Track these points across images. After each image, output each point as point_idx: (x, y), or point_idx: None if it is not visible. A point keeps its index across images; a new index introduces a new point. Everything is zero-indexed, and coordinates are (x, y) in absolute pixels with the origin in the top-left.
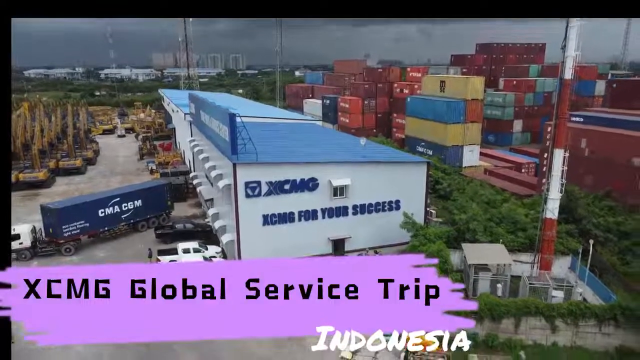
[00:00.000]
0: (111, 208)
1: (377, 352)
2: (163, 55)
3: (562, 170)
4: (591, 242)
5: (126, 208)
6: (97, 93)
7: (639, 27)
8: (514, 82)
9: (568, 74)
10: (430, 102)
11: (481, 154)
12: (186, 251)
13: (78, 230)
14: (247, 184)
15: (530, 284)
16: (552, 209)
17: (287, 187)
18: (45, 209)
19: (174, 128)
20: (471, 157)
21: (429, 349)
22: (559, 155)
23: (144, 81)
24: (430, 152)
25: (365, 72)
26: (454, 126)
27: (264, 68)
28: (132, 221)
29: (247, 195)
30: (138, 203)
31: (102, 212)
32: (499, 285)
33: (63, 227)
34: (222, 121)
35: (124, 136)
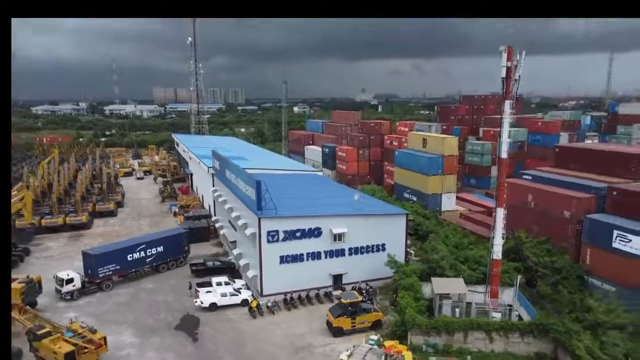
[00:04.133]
0: (138, 253)
1: (365, 356)
2: (164, 89)
3: (504, 224)
4: (519, 277)
5: (150, 253)
6: (108, 132)
7: (621, 61)
8: (492, 132)
9: (504, 155)
10: (414, 157)
11: (458, 198)
12: (219, 284)
13: (111, 272)
14: (268, 232)
15: (477, 307)
16: (497, 252)
17: (298, 234)
18: (85, 254)
19: (191, 173)
20: (449, 203)
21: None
22: (500, 213)
23: (149, 118)
24: (414, 198)
25: (360, 124)
26: (433, 177)
27: (263, 102)
28: (154, 264)
29: (269, 241)
30: (160, 249)
31: (130, 257)
32: (457, 309)
33: (99, 269)
34: (249, 183)
35: (142, 178)
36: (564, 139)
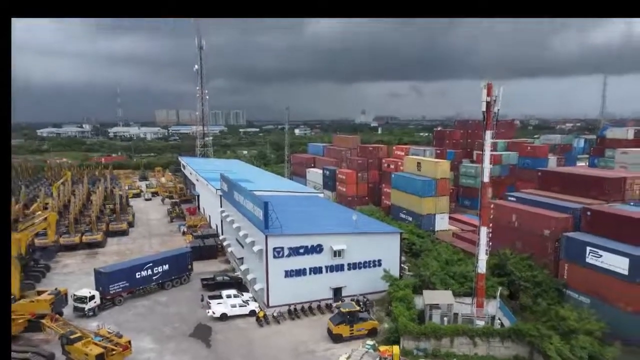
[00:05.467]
0: (145, 271)
1: (361, 358)
2: (166, 112)
3: (487, 241)
4: (500, 288)
5: (157, 271)
6: (114, 155)
7: (619, 83)
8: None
9: (486, 179)
10: (409, 180)
11: (451, 218)
12: (229, 296)
13: (120, 289)
14: (274, 249)
15: (463, 316)
16: (481, 267)
17: (301, 250)
18: (97, 272)
19: (198, 195)
20: (442, 222)
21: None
22: (484, 231)
23: (152, 140)
24: (410, 219)
25: (359, 148)
26: (427, 199)
27: (263, 124)
28: (160, 281)
29: (274, 257)
30: (165, 267)
31: (138, 275)
32: (445, 318)
33: (110, 286)
34: (257, 205)
35: (150, 199)
36: (552, 163)
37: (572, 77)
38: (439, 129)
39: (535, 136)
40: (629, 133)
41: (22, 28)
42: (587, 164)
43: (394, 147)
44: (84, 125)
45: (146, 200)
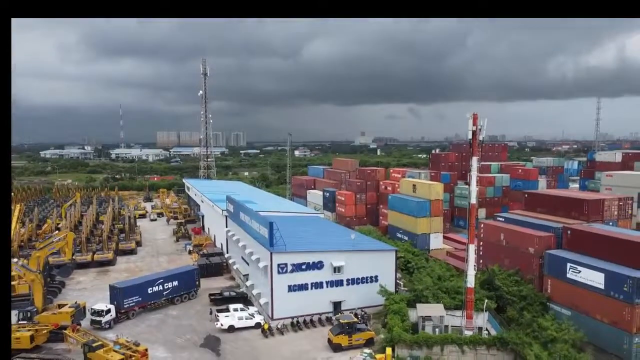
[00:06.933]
0: (157, 287)
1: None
2: (167, 133)
3: (474, 258)
4: (486, 301)
5: (167, 287)
6: (118, 176)
7: (615, 105)
8: (478, 177)
9: (473, 200)
10: (405, 201)
11: (445, 237)
12: (235, 310)
13: (134, 303)
14: (279, 265)
15: (452, 327)
16: (470, 281)
17: (304, 267)
18: (112, 288)
19: (203, 215)
20: (436, 241)
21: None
22: (472, 248)
23: (154, 162)
24: (406, 238)
25: (358, 171)
26: (422, 219)
27: (264, 146)
28: (170, 296)
29: (279, 272)
30: (175, 283)
31: (150, 290)
32: (437, 329)
33: (124, 300)
34: (262, 224)
35: (155, 220)
36: (542, 184)
37: (570, 99)
38: (436, 151)
39: (532, 158)
40: (617, 156)
41: (24, 51)
42: (578, 185)
43: (391, 170)
44: (85, 147)
45: (152, 220)
